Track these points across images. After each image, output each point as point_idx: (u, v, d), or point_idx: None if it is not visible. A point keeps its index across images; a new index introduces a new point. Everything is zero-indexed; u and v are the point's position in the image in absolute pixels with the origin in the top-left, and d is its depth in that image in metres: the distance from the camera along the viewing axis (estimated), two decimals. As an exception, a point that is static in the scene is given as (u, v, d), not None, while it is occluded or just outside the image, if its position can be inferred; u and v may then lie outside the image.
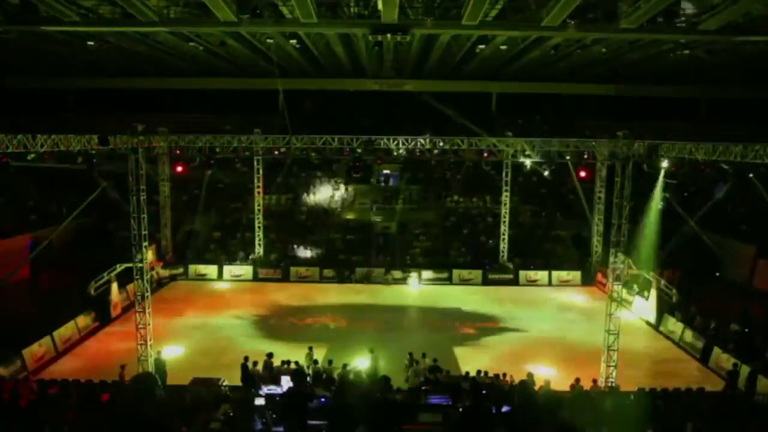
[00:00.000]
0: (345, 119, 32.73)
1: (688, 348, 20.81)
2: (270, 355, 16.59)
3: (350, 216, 34.22)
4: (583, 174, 28.95)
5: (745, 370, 16.99)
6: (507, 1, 17.39)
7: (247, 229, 31.81)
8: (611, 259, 17.93)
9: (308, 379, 15.33)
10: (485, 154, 25.73)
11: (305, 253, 31.41)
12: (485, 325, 23.68)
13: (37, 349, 18.81)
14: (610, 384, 16.84)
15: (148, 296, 17.91)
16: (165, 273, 29.00)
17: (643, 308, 24.36)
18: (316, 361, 16.89)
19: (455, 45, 25.05)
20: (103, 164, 22.71)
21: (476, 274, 29.97)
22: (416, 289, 28.87)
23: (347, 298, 27.11)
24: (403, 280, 29.64)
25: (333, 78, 34.87)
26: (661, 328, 22.93)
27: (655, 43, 22.32)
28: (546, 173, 28.34)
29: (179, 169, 27.66)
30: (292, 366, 15.99)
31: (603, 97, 36.41)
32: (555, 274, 30.03)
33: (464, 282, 29.74)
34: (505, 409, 11.14)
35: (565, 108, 37.21)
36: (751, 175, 20.94)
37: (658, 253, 24.63)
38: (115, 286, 23.37)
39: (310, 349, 17.50)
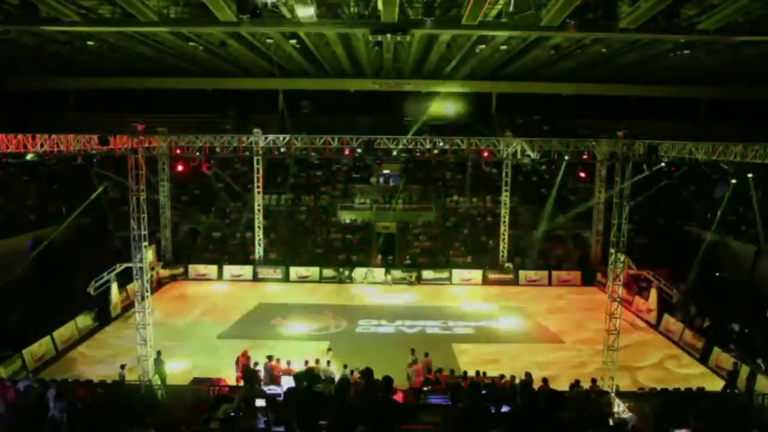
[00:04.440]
0: (345, 119, 32.73)
1: (688, 348, 20.82)
2: (270, 358, 16.57)
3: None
4: (582, 174, 29.15)
5: (745, 370, 17.00)
6: (507, 1, 17.39)
7: (247, 229, 31.83)
8: (611, 259, 17.94)
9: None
10: (485, 154, 25.78)
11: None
12: (485, 325, 23.69)
13: (37, 349, 18.81)
14: (609, 384, 16.83)
15: (148, 296, 17.91)
16: (165, 273, 29.01)
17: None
18: (328, 362, 16.82)
19: (455, 45, 25.04)
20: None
21: (476, 274, 29.98)
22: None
23: (347, 298, 27.12)
24: (403, 280, 29.64)
25: (333, 78, 34.86)
26: (661, 328, 22.97)
27: (655, 43, 22.32)
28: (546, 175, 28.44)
29: (179, 168, 27.68)
30: (293, 367, 15.99)
31: (603, 97, 36.42)
32: (555, 274, 30.05)
33: (464, 282, 29.75)
34: (505, 409, 11.12)
35: (565, 108, 37.22)
36: (750, 175, 21.02)
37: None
38: (115, 286, 23.37)
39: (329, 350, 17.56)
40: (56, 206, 29.90)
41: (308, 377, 13.64)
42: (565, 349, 21.02)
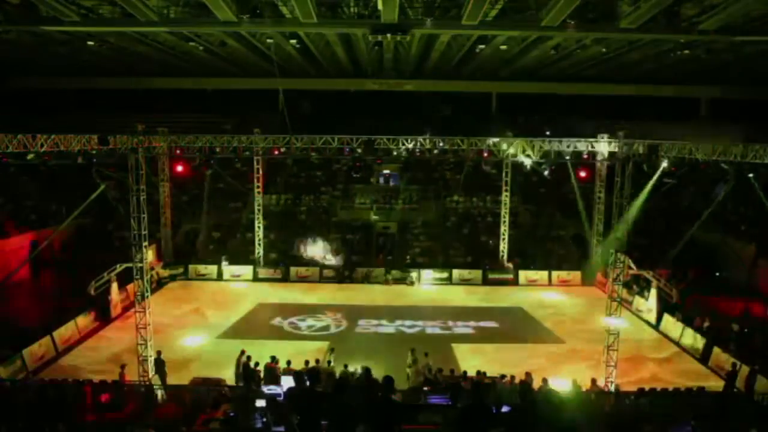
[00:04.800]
0: (345, 119, 32.75)
1: (688, 348, 20.82)
2: (272, 359, 16.54)
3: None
4: (583, 174, 29.08)
5: (744, 370, 17.00)
6: (507, 1, 17.40)
7: (247, 229, 31.83)
8: (611, 259, 17.93)
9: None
10: (485, 154, 25.76)
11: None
12: (485, 325, 23.69)
13: (37, 349, 18.80)
14: (609, 384, 16.85)
15: (148, 296, 17.91)
16: (165, 273, 29.00)
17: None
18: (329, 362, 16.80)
19: (455, 45, 25.04)
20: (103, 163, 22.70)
21: (476, 274, 29.98)
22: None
23: (347, 298, 27.11)
24: (402, 280, 29.61)
25: (333, 78, 34.86)
26: (661, 328, 22.96)
27: (655, 43, 22.32)
28: (546, 173, 28.46)
29: (179, 168, 27.66)
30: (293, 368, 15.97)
31: (603, 97, 36.43)
32: (555, 274, 30.04)
33: (464, 282, 29.74)
34: (505, 409, 11.12)
35: (565, 108, 37.24)
36: (751, 175, 20.98)
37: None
38: (115, 286, 23.36)
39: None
40: (56, 206, 29.94)
41: (309, 377, 13.62)
42: (565, 348, 21.02)
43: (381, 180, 36.34)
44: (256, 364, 16.45)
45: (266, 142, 25.84)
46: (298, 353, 17.50)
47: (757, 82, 31.30)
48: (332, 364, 16.60)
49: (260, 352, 17.36)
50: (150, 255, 23.65)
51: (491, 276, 29.92)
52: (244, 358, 16.61)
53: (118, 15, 18.83)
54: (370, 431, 7.19)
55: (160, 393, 15.94)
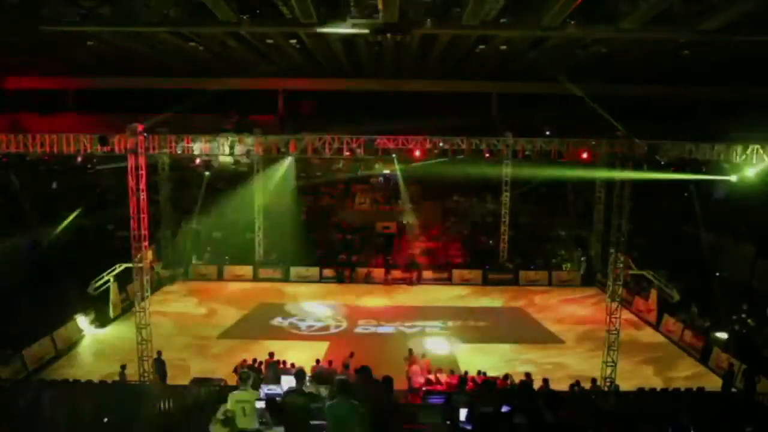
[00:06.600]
0: (345, 119, 32.69)
1: (688, 348, 20.82)
2: (271, 355, 16.57)
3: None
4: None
5: (742, 370, 17.01)
6: (507, 1, 17.38)
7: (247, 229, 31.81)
8: (611, 259, 17.93)
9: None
10: (486, 155, 25.75)
11: None
12: (484, 325, 23.69)
13: (37, 349, 18.81)
14: (609, 384, 16.85)
15: (148, 296, 17.91)
16: (165, 273, 28.99)
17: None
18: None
19: (455, 45, 25.02)
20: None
21: (476, 274, 29.96)
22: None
23: (347, 298, 27.11)
24: (403, 280, 29.59)
25: (333, 78, 34.80)
26: (661, 328, 22.97)
27: (655, 43, 22.31)
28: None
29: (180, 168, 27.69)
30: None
31: (603, 97, 36.31)
32: (555, 274, 30.04)
33: (464, 282, 29.73)
34: (504, 409, 11.12)
35: (565, 108, 37.14)
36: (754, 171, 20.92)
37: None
38: (115, 286, 23.36)
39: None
40: (56, 206, 29.90)
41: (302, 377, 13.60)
42: (564, 348, 21.03)
43: (381, 180, 36.33)
44: (259, 363, 16.43)
45: (266, 143, 25.81)
46: (298, 353, 17.52)
47: (757, 82, 31.23)
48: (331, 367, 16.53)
49: (260, 352, 17.37)
50: (150, 255, 23.64)
51: (491, 276, 29.92)
52: (250, 361, 16.57)
53: (118, 15, 18.79)
54: (370, 431, 7.21)
55: (160, 393, 15.95)
